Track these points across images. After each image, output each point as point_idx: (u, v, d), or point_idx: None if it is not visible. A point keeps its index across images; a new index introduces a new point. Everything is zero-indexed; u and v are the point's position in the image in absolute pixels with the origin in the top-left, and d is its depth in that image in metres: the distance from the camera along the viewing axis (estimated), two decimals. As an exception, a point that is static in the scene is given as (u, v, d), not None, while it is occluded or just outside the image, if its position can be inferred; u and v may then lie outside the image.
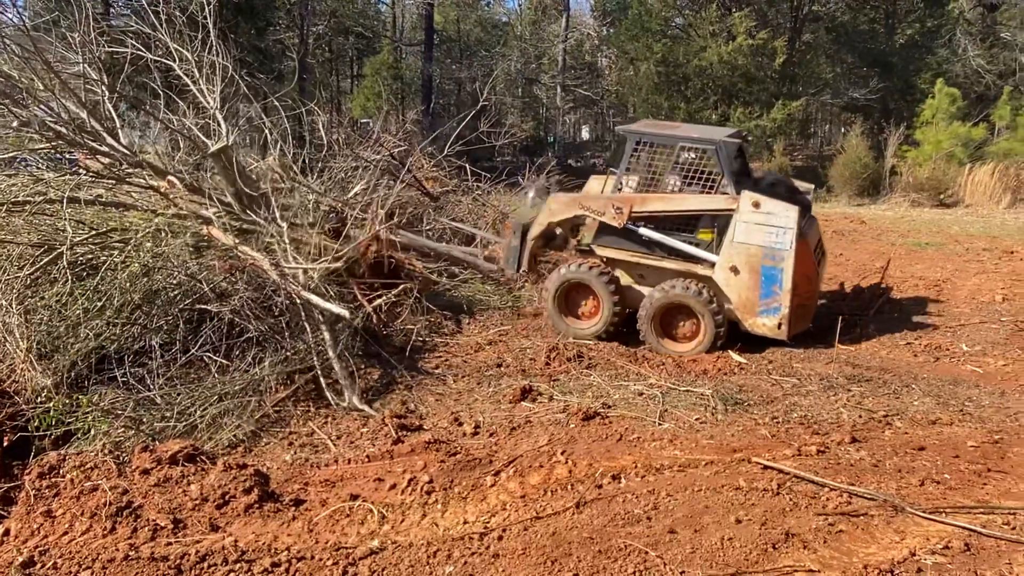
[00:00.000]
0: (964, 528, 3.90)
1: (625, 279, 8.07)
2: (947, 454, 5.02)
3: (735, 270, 7.39)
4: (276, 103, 9.88)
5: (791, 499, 4.24)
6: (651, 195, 7.76)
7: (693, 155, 7.67)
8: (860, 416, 5.89)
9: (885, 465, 4.82)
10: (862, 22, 31.15)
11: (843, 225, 18.24)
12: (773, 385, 6.78)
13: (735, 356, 7.65)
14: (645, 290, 7.90)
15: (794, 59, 29.28)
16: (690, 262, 7.66)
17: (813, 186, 8.62)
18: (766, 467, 4.68)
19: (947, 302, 9.88)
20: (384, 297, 7.87)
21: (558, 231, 8.55)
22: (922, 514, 4.05)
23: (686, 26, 32.30)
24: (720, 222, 7.47)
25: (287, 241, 7.36)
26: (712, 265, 7.53)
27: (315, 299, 6.85)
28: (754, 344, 8.25)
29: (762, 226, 7.22)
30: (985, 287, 10.45)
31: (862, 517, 4.02)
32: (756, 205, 7.26)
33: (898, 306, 9.65)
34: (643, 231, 7.76)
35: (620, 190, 8.04)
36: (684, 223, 7.71)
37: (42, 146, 7.99)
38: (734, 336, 7.77)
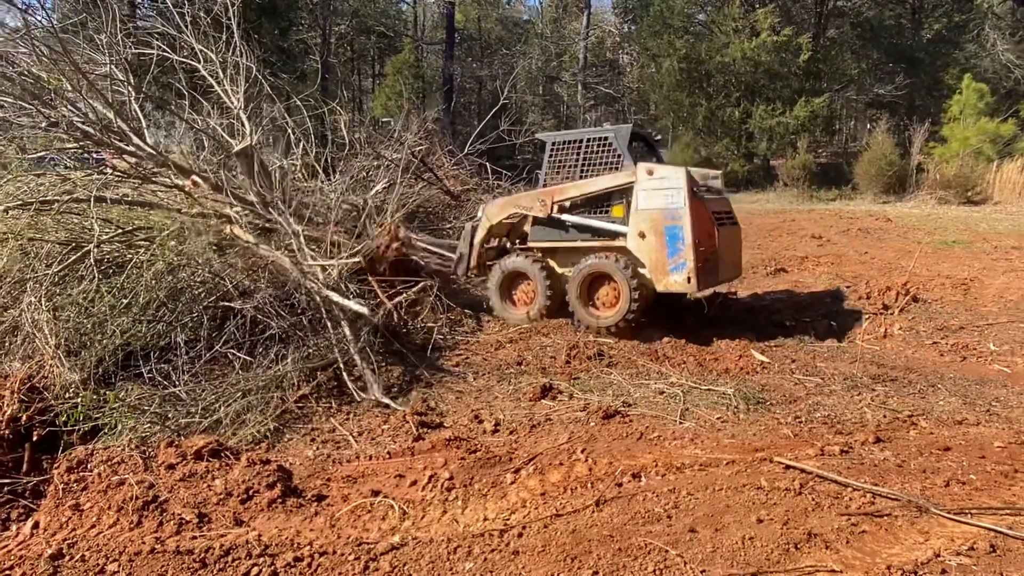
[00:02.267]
0: (990, 529, 3.84)
1: (558, 268, 8.84)
2: (973, 455, 4.95)
3: (643, 235, 8.10)
4: (299, 103, 9.96)
5: (813, 499, 4.20)
6: (566, 184, 8.62)
7: (597, 145, 8.60)
8: (884, 416, 5.83)
9: (909, 465, 4.76)
10: (888, 17, 30.76)
11: (868, 223, 18.02)
12: (796, 384, 6.73)
13: (757, 355, 7.61)
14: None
15: (819, 55, 28.94)
16: (608, 239, 8.43)
17: (720, 171, 9.61)
18: (788, 467, 4.64)
19: (974, 301, 9.74)
20: (404, 295, 7.93)
21: (505, 241, 9.45)
22: (947, 515, 3.99)
23: (708, 22, 32.08)
24: (627, 196, 8.24)
25: (303, 240, 7.43)
26: (625, 236, 8.25)
27: (335, 297, 6.90)
28: (776, 344, 8.19)
29: (658, 190, 7.99)
30: (1013, 286, 10.27)
31: (886, 517, 3.98)
32: (650, 173, 8.05)
33: (924, 305, 9.52)
34: (565, 217, 8.61)
35: (545, 186, 8.86)
36: (600, 205, 8.52)
37: (70, 146, 8.13)
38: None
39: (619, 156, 8.39)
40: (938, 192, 22.32)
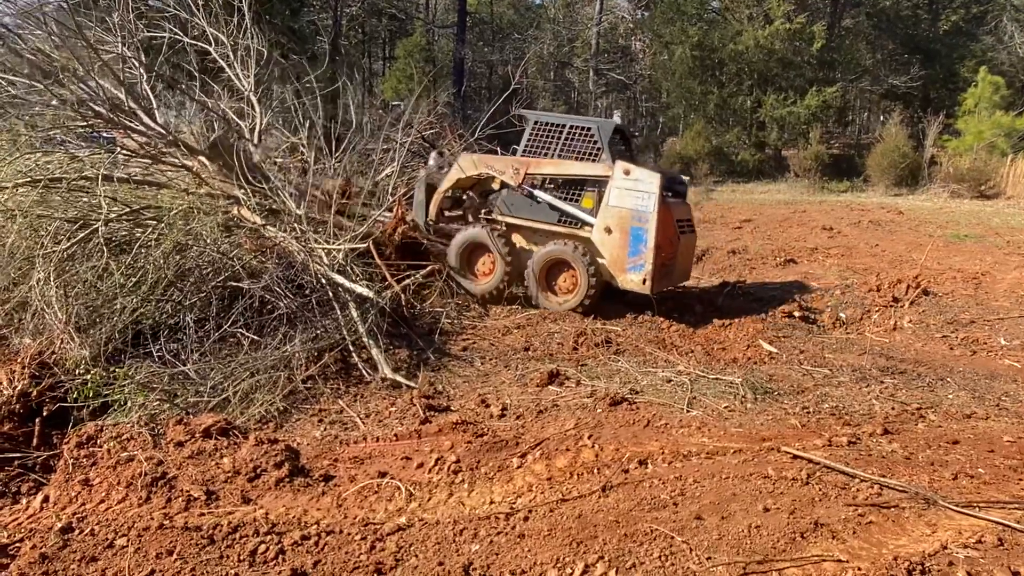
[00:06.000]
0: (998, 523, 3.83)
1: (521, 243, 8.96)
2: (982, 448, 4.93)
3: (609, 230, 8.32)
4: (313, 83, 9.93)
5: (820, 489, 4.19)
6: (544, 160, 8.79)
7: (579, 134, 8.74)
8: (893, 408, 5.81)
9: (917, 458, 4.75)
10: (905, 7, 30.41)
11: (880, 215, 17.92)
12: (804, 375, 6.71)
13: (765, 345, 7.58)
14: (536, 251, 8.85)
15: (833, 44, 28.66)
16: (573, 227, 8.61)
17: (689, 178, 10.24)
18: (795, 456, 4.63)
19: (986, 295, 9.68)
20: (412, 278, 7.93)
21: (465, 196, 9.56)
22: (955, 508, 3.98)
23: (722, 10, 31.79)
24: (600, 189, 8.41)
25: (307, 223, 7.43)
26: (591, 227, 8.44)
27: (341, 280, 6.90)
28: (785, 334, 8.16)
29: (631, 191, 8.19)
30: (1026, 281, 10.20)
31: (893, 509, 3.97)
32: (627, 172, 8.23)
33: (935, 298, 9.46)
34: (538, 193, 8.75)
35: None
36: (572, 192, 8.68)
37: (80, 124, 8.12)
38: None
39: (599, 149, 8.52)
40: (951, 185, 22.17)
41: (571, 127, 8.81)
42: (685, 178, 9.73)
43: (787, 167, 29.39)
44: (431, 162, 9.68)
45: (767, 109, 28.41)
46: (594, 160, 8.51)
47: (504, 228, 8.96)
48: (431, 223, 9.43)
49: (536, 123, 9.01)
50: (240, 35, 9.17)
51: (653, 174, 8.22)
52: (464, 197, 9.59)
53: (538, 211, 8.75)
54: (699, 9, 31.17)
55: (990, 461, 4.73)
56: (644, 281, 8.18)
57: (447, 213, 9.51)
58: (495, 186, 9.18)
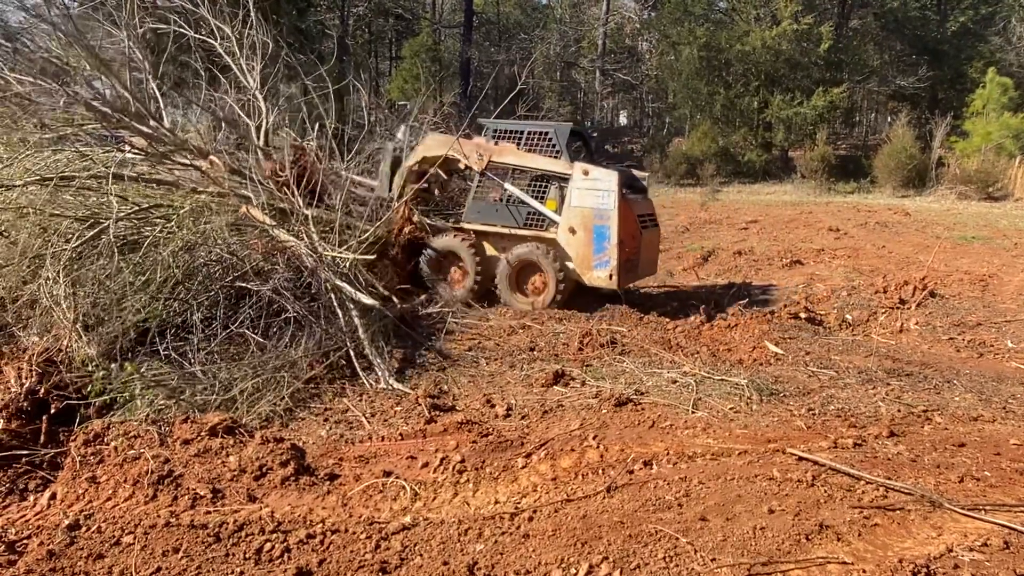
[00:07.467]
0: (1004, 526, 3.82)
1: (490, 249, 9.18)
2: (988, 451, 4.91)
3: (573, 230, 8.59)
4: (324, 78, 9.98)
5: (826, 491, 4.18)
6: (508, 148, 8.99)
7: (538, 139, 8.97)
8: (899, 410, 5.79)
9: (923, 460, 4.73)
10: (913, 8, 30.26)
11: (887, 217, 17.87)
12: (810, 377, 6.69)
13: (771, 347, 7.57)
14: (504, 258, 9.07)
15: (840, 45, 28.57)
16: (539, 230, 8.87)
17: (648, 173, 10.54)
18: (801, 458, 4.62)
19: (993, 297, 9.65)
20: (414, 295, 7.98)
21: (430, 171, 9.61)
22: (960, 510, 3.97)
23: (729, 10, 31.75)
24: (561, 191, 8.67)
25: (312, 226, 7.44)
26: (556, 228, 8.71)
27: (346, 287, 6.90)
28: (791, 336, 8.15)
29: (591, 190, 8.46)
30: (1033, 283, 10.16)
31: (898, 511, 3.96)
32: (586, 173, 8.50)
33: (941, 300, 9.43)
34: (507, 186, 9.04)
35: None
36: (533, 194, 8.92)
37: (89, 124, 8.15)
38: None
39: (558, 152, 8.77)
40: (958, 187, 22.09)
41: (529, 132, 9.02)
42: (644, 173, 9.96)
43: (794, 168, 29.33)
44: (399, 135, 9.85)
45: (774, 110, 28.36)
46: (555, 159, 8.77)
47: (473, 236, 9.10)
48: (392, 197, 9.52)
49: (495, 131, 9.21)
50: (246, 29, 9.20)
51: (611, 173, 8.47)
52: (429, 171, 9.72)
53: (505, 216, 8.97)
54: (706, 9, 31.18)
55: (996, 464, 4.71)
56: (611, 276, 8.44)
57: (414, 185, 9.61)
58: (460, 166, 9.37)
